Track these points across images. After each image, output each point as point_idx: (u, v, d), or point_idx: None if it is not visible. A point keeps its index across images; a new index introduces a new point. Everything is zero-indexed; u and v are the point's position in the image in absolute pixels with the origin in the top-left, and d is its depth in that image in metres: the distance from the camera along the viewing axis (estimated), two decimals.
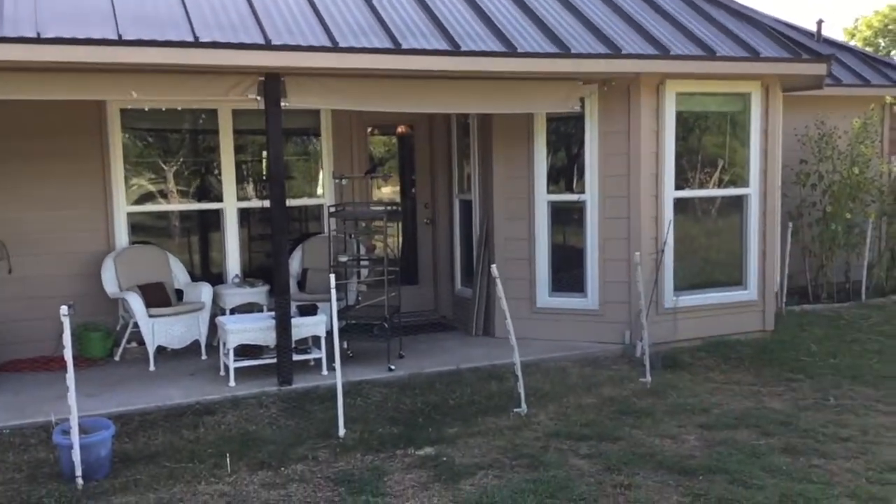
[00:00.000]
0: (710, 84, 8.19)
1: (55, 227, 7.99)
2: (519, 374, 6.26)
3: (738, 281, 8.60)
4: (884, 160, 11.31)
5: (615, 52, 7.50)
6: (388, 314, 7.59)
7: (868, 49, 29.52)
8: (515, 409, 6.23)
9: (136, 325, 7.67)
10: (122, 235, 8.27)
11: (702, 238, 8.57)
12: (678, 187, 8.20)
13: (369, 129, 9.72)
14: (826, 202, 10.53)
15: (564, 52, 7.33)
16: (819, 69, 8.28)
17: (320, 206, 9.16)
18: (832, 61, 8.68)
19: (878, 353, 8.02)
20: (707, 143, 8.56)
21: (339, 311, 7.44)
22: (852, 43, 28.65)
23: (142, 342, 7.74)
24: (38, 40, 5.83)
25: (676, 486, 4.81)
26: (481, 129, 8.79)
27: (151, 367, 7.50)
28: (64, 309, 4.87)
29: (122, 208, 8.27)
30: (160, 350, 7.73)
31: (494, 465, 5.16)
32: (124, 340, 7.96)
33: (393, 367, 7.35)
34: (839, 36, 36.74)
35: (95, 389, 6.82)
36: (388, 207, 8.00)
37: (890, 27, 37.10)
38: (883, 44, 37.00)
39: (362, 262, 8.34)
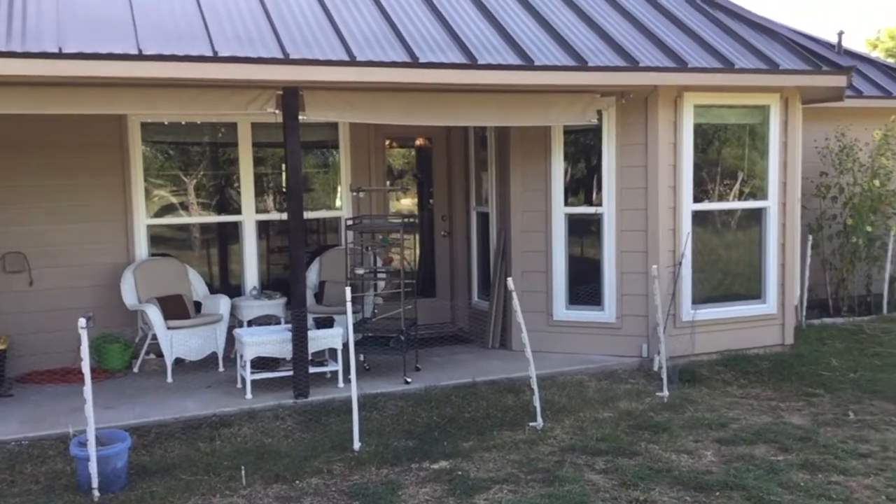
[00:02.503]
0: (728, 96, 8.15)
1: (76, 239, 8.07)
2: (535, 387, 6.23)
3: (756, 294, 8.53)
4: None
5: (633, 65, 7.48)
6: (405, 327, 7.59)
7: (890, 60, 29.24)
8: (531, 423, 6.20)
9: (154, 336, 7.72)
10: (141, 247, 8.34)
11: (720, 251, 8.51)
12: (696, 200, 8.15)
13: (387, 142, 9.76)
14: (847, 215, 10.43)
15: (582, 65, 7.33)
16: (839, 81, 8.22)
17: (338, 219, 9.20)
18: (853, 73, 8.61)
19: None
20: (725, 156, 8.52)
21: (356, 324, 7.45)
22: (874, 54, 28.43)
23: (160, 354, 7.80)
24: (60, 55, 5.91)
25: (693, 502, 4.76)
26: (499, 141, 8.80)
27: (169, 379, 7.54)
28: (82, 321, 4.91)
29: (143, 220, 8.34)
30: (178, 362, 7.77)
31: (509, 480, 5.14)
32: (143, 352, 8.01)
33: (409, 379, 7.35)
34: (861, 47, 36.45)
35: (113, 401, 6.86)
36: (405, 220, 8.02)
37: None
38: None
39: (379, 275, 8.36)
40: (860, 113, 10.98)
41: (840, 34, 10.75)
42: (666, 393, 6.99)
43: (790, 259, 8.60)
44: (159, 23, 6.69)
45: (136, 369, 7.97)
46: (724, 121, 8.44)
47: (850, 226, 10.37)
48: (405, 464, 5.45)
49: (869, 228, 10.32)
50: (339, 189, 9.30)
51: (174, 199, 8.73)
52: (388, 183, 9.73)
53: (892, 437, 5.91)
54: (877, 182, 10.28)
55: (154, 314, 7.59)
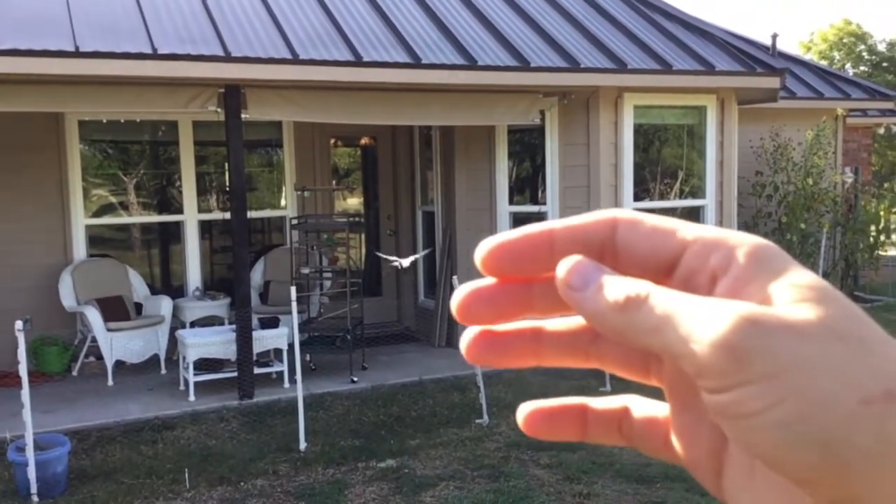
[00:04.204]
0: (666, 97, 8.34)
1: (11, 239, 7.86)
2: (481, 385, 6.30)
3: None
4: (837, 171, 11.57)
5: (574, 66, 7.60)
6: (351, 326, 7.59)
7: (823, 62, 30.18)
8: (477, 420, 6.26)
9: (94, 339, 7.57)
10: (80, 248, 8.17)
11: None
12: (637, 198, 8.31)
13: (332, 141, 9.73)
14: (781, 213, 10.74)
15: (524, 66, 7.42)
16: (773, 83, 8.47)
17: (283, 218, 9.14)
18: (786, 75, 8.88)
19: None
20: (665, 155, 8.71)
21: (302, 324, 7.42)
22: (808, 56, 29.31)
23: (100, 357, 7.65)
24: None
25: (634, 495, 4.88)
26: (444, 141, 8.85)
27: (110, 382, 7.41)
28: (19, 323, 4.80)
29: (81, 221, 8.17)
30: (119, 364, 7.64)
31: (456, 477, 5.19)
32: (82, 355, 7.85)
33: (355, 379, 7.35)
34: (795, 50, 37.51)
35: (52, 405, 6.72)
36: (351, 219, 8.01)
37: (845, 41, 38.00)
38: (838, 57, 37.85)
39: (325, 274, 8.34)
40: (794, 114, 11.31)
41: (774, 37, 11.08)
42: (609, 388, 7.11)
43: None
44: (97, 20, 6.57)
45: (75, 372, 7.81)
46: (663, 121, 8.63)
47: (784, 223, 10.68)
48: (352, 463, 5.46)
49: (802, 226, 10.64)
50: (283, 188, 9.24)
51: (114, 199, 8.57)
52: (333, 182, 9.71)
53: None
54: (810, 181, 10.60)
55: (93, 316, 7.45)
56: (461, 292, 0.37)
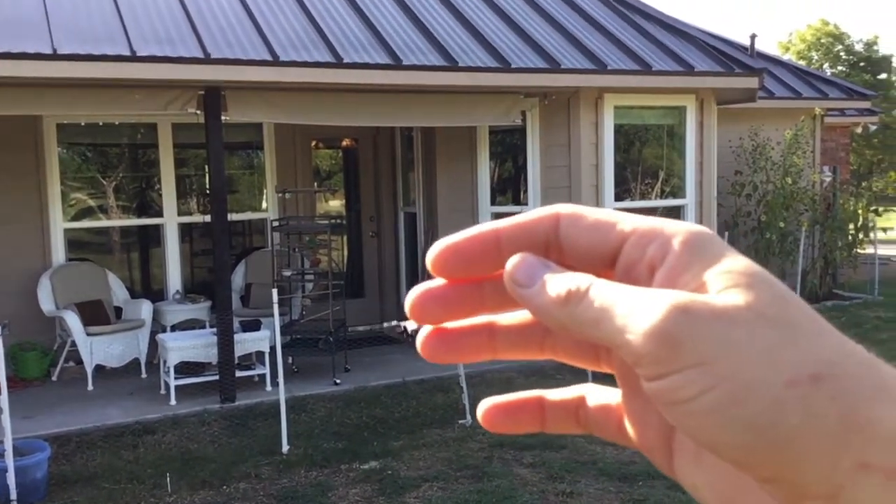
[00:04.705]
0: (646, 98, 8.38)
1: None
2: (464, 385, 6.30)
3: None
4: (815, 170, 11.68)
5: (554, 67, 7.63)
6: (334, 328, 7.57)
7: (801, 62, 30.46)
8: (460, 421, 6.26)
9: (73, 343, 7.51)
10: (58, 252, 8.10)
11: None
12: (618, 198, 8.36)
13: (314, 143, 9.71)
14: (760, 212, 10.82)
15: (505, 67, 7.43)
16: (751, 83, 8.54)
17: (264, 220, 9.10)
18: (764, 75, 8.96)
19: None
20: (646, 156, 8.76)
21: (284, 326, 7.39)
22: (786, 57, 29.56)
23: (80, 361, 7.58)
24: None
25: (617, 493, 4.90)
26: (425, 142, 8.85)
27: (90, 387, 7.35)
28: None
29: (59, 224, 8.10)
30: (99, 369, 7.58)
31: (439, 477, 5.19)
32: (62, 360, 7.78)
33: (338, 381, 7.33)
34: (774, 50, 37.84)
35: (32, 411, 6.65)
36: (333, 221, 7.99)
37: (822, 41, 38.37)
38: (816, 57, 38.20)
39: (307, 276, 8.31)
40: (772, 113, 11.41)
41: (753, 37, 11.18)
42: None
43: None
44: (75, 22, 6.53)
45: (55, 377, 7.74)
46: (643, 121, 8.68)
47: (763, 222, 10.77)
48: (335, 465, 5.44)
49: (782, 224, 10.74)
50: (264, 190, 9.20)
51: (92, 202, 8.51)
52: (315, 184, 9.68)
53: None
54: (788, 180, 10.70)
55: (72, 320, 7.38)
56: (413, 293, 0.38)
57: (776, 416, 0.29)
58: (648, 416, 0.36)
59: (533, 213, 0.37)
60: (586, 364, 0.39)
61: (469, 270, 0.37)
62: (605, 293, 0.32)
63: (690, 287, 0.32)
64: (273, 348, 6.70)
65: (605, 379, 0.41)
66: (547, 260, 0.35)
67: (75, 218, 8.33)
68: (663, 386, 0.31)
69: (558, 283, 0.34)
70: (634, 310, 0.31)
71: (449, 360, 0.40)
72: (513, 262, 0.35)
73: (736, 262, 0.32)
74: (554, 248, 0.36)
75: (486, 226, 0.37)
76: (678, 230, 0.33)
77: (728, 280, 0.31)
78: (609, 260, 0.35)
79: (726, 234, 10.54)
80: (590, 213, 0.36)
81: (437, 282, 0.38)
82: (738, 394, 0.29)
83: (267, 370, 7.15)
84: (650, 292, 0.32)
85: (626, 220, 0.35)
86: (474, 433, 6.04)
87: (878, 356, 0.31)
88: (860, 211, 11.81)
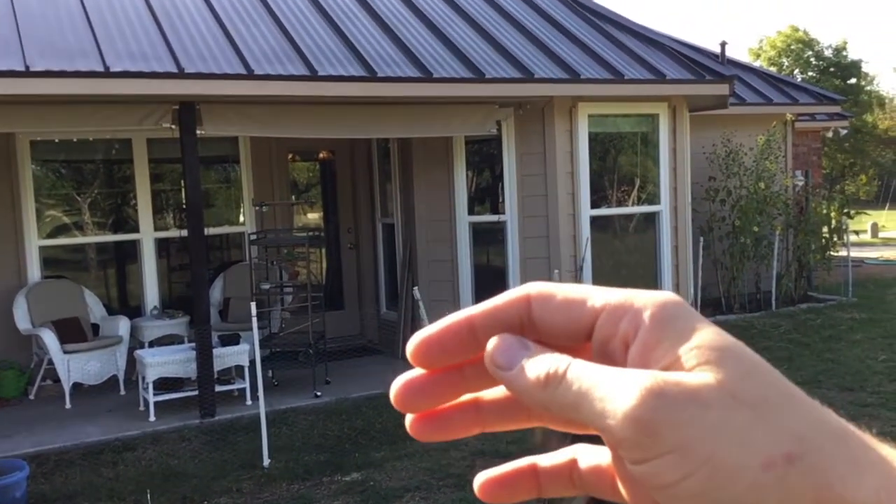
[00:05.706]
0: (620, 106, 8.47)
1: None
2: None
3: None
4: (787, 175, 11.83)
5: (528, 77, 7.70)
6: (313, 340, 7.56)
7: (772, 68, 30.85)
8: None
9: (50, 361, 7.44)
10: (34, 270, 8.03)
11: (619, 254, 8.81)
12: (594, 206, 8.42)
13: (290, 156, 9.71)
14: (735, 216, 10.93)
15: (479, 77, 7.49)
16: (722, 90, 8.65)
17: (241, 234, 9.08)
18: (735, 82, 9.08)
19: (787, 360, 8.36)
20: (621, 163, 8.84)
21: (263, 340, 7.37)
22: (757, 63, 29.94)
23: (57, 379, 7.51)
24: None
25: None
26: (401, 153, 8.88)
27: (68, 405, 7.28)
28: None
29: (34, 242, 8.04)
30: (77, 387, 7.51)
31: (422, 487, 5.20)
32: (39, 378, 7.70)
33: (319, 393, 7.32)
34: (744, 56, 38.32)
35: (9, 430, 6.59)
36: (311, 233, 7.99)
37: (792, 47, 38.89)
38: (786, 63, 38.71)
39: (285, 289, 8.30)
40: (744, 119, 11.55)
41: (723, 45, 11.33)
42: None
43: (683, 260, 8.98)
44: (47, 39, 6.50)
45: (32, 396, 7.66)
46: (617, 129, 8.77)
47: (738, 227, 10.88)
48: (316, 478, 5.44)
49: (756, 229, 10.86)
50: (241, 204, 9.18)
51: (67, 219, 8.45)
52: (292, 197, 9.68)
53: None
54: (762, 185, 10.83)
55: (49, 338, 7.32)
56: (396, 386, 0.39)
57: (756, 499, 0.30)
58: (638, 481, 0.37)
59: (504, 297, 0.37)
60: (576, 430, 0.39)
61: (447, 359, 0.38)
62: (582, 375, 0.33)
63: (664, 363, 0.33)
64: (252, 362, 6.68)
65: None
66: (525, 339, 0.36)
67: (50, 235, 8.27)
68: (646, 470, 0.32)
69: (536, 365, 0.34)
70: (611, 394, 0.32)
71: (439, 438, 0.40)
72: (492, 343, 0.36)
73: (705, 336, 0.33)
74: (529, 328, 0.36)
75: (459, 314, 0.38)
76: (647, 303, 0.34)
77: (699, 356, 0.32)
78: (584, 335, 0.36)
79: (701, 239, 10.65)
80: (559, 291, 0.36)
81: (418, 371, 0.39)
82: (717, 478, 0.30)
83: (247, 384, 7.13)
84: (625, 374, 0.32)
85: (595, 295, 0.35)
86: (456, 442, 6.04)
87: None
88: (833, 214, 11.97)
